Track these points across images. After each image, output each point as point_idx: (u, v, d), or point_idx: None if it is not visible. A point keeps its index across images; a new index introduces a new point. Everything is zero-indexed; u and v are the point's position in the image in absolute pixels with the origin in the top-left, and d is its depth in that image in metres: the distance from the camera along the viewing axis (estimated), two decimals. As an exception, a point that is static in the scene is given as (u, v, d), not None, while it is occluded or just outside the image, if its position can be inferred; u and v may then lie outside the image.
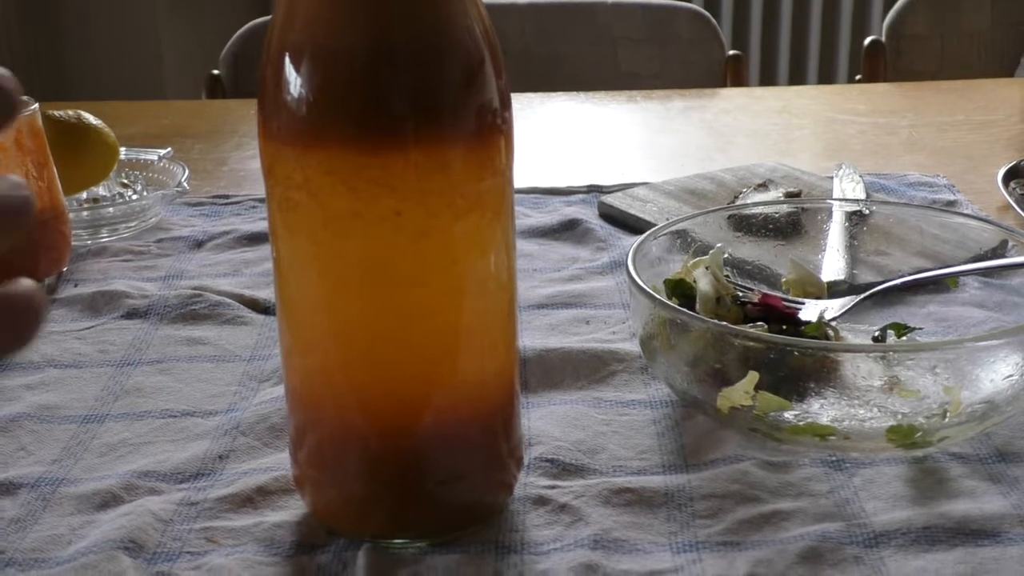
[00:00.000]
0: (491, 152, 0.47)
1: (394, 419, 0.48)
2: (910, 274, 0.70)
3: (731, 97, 1.30)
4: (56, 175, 0.76)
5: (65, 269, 0.78)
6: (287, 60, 0.45)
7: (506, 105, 0.47)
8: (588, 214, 0.88)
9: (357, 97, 0.44)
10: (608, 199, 0.89)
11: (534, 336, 0.68)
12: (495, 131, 0.47)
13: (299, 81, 0.44)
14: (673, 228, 0.68)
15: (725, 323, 0.58)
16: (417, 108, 0.44)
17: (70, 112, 0.86)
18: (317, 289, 0.47)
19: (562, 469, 0.55)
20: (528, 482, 0.54)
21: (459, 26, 0.45)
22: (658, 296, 0.59)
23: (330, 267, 0.46)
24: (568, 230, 0.85)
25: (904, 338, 0.64)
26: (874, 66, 1.43)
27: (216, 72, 1.38)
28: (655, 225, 0.82)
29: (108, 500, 0.54)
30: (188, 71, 2.32)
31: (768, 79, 2.43)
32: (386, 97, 0.44)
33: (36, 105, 0.74)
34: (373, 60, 0.44)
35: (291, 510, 0.53)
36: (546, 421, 0.59)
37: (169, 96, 2.29)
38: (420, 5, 0.44)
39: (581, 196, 0.92)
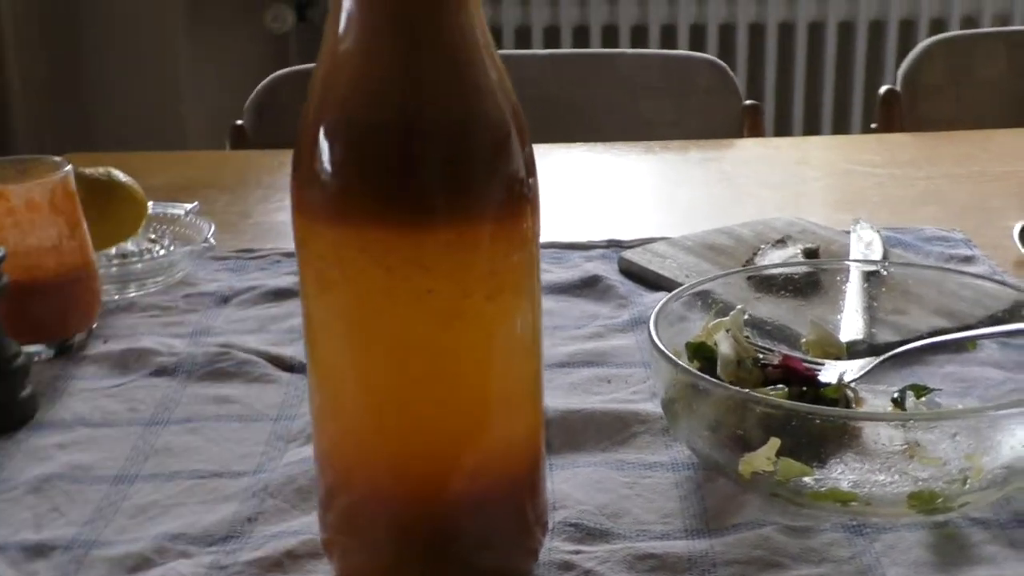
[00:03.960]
0: (519, 222, 0.48)
1: (423, 485, 0.49)
2: (928, 334, 0.71)
3: (748, 148, 1.31)
4: (87, 233, 0.77)
5: (95, 325, 0.79)
6: (321, 136, 0.46)
7: (531, 172, 0.49)
8: (608, 270, 0.89)
9: (388, 176, 0.45)
10: (628, 255, 0.90)
11: (556, 396, 0.69)
12: (522, 200, 0.48)
13: (332, 160, 0.46)
14: (695, 290, 0.69)
15: (747, 390, 0.59)
16: (447, 185, 0.45)
17: (100, 169, 0.88)
18: (348, 358, 0.48)
19: (586, 534, 0.56)
20: (553, 547, 0.55)
21: (486, 101, 0.47)
22: (680, 362, 0.60)
23: (362, 340, 0.47)
24: (589, 287, 0.86)
25: (923, 399, 0.65)
26: (890, 115, 1.45)
27: (240, 122, 1.39)
28: (675, 281, 0.84)
29: (140, 563, 0.54)
30: (209, 120, 2.35)
31: (783, 128, 2.45)
32: (417, 176, 0.45)
33: (70, 167, 0.76)
34: (404, 140, 0.45)
35: (319, 575, 0.53)
36: (570, 484, 0.60)
37: (189, 145, 2.31)
38: (449, 84, 0.46)
39: (601, 251, 0.93)
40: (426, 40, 0.45)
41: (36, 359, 0.74)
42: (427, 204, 0.45)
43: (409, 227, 0.45)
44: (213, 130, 2.25)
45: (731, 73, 1.44)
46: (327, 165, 0.46)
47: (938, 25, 2.37)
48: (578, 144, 1.27)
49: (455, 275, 0.46)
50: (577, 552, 0.54)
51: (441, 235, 0.45)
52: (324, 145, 0.46)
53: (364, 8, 0.45)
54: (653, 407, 0.67)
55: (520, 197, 0.48)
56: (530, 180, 0.48)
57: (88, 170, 0.86)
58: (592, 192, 1.13)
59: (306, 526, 0.57)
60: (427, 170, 0.45)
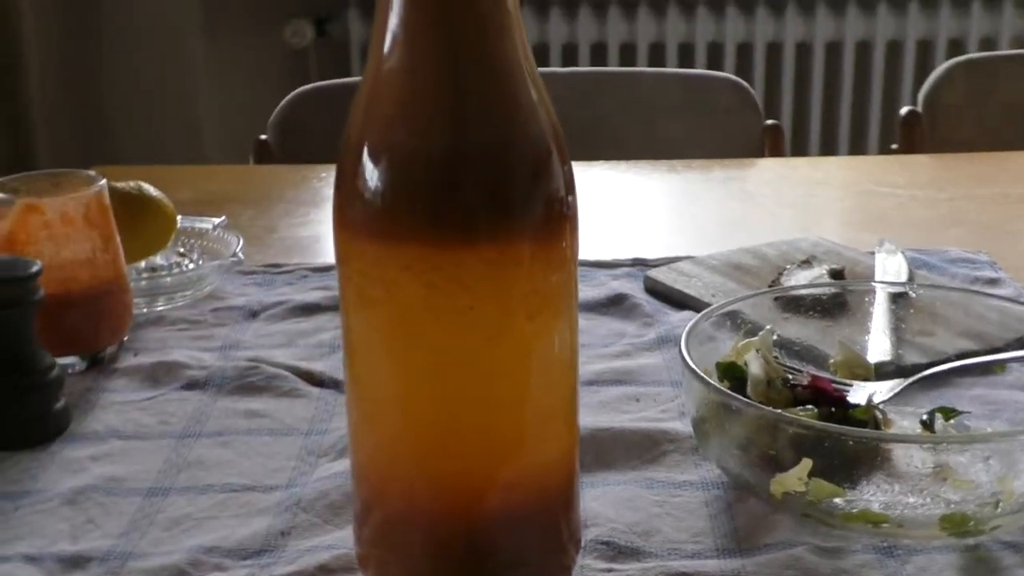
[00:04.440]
0: (558, 241, 0.49)
1: (460, 500, 0.50)
2: (956, 356, 0.71)
3: (770, 167, 1.32)
4: (120, 247, 0.78)
5: (125, 338, 0.80)
6: (365, 158, 0.47)
7: (571, 190, 0.49)
8: (634, 288, 0.89)
9: (432, 196, 0.46)
10: (654, 274, 0.91)
11: (585, 414, 0.69)
12: (562, 218, 0.49)
13: (376, 179, 0.46)
14: (724, 310, 0.69)
15: (780, 411, 0.59)
16: (490, 205, 0.46)
17: (131, 183, 0.89)
18: (388, 374, 0.49)
19: (618, 552, 0.56)
20: (585, 564, 0.55)
21: (528, 120, 0.47)
22: (711, 381, 0.60)
23: (402, 356, 0.48)
24: (615, 305, 0.86)
25: (952, 422, 0.65)
26: (911, 135, 1.45)
27: (264, 137, 1.40)
28: (700, 300, 0.84)
29: (176, 576, 0.55)
30: (228, 135, 2.36)
31: (799, 147, 2.45)
32: (460, 196, 0.46)
33: (104, 181, 0.77)
34: (448, 160, 0.46)
35: (354, 589, 0.54)
36: (600, 502, 0.60)
37: (208, 159, 2.33)
38: (493, 105, 0.47)
39: (626, 269, 0.94)
40: (471, 62, 0.46)
41: (69, 371, 0.75)
42: (470, 223, 0.46)
43: (452, 245, 0.46)
44: (232, 144, 2.26)
45: (752, 92, 1.45)
46: (371, 183, 0.47)
47: (956, 46, 2.37)
48: (599, 162, 1.28)
49: (496, 293, 0.46)
50: (609, 570, 0.55)
51: (483, 253, 0.46)
52: (368, 164, 0.47)
53: (409, 29, 0.46)
54: (682, 426, 0.67)
55: (560, 216, 0.48)
56: (569, 198, 0.49)
57: (119, 184, 0.87)
58: (615, 210, 1.13)
59: (339, 541, 0.57)
60: (470, 190, 0.46)
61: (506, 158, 0.46)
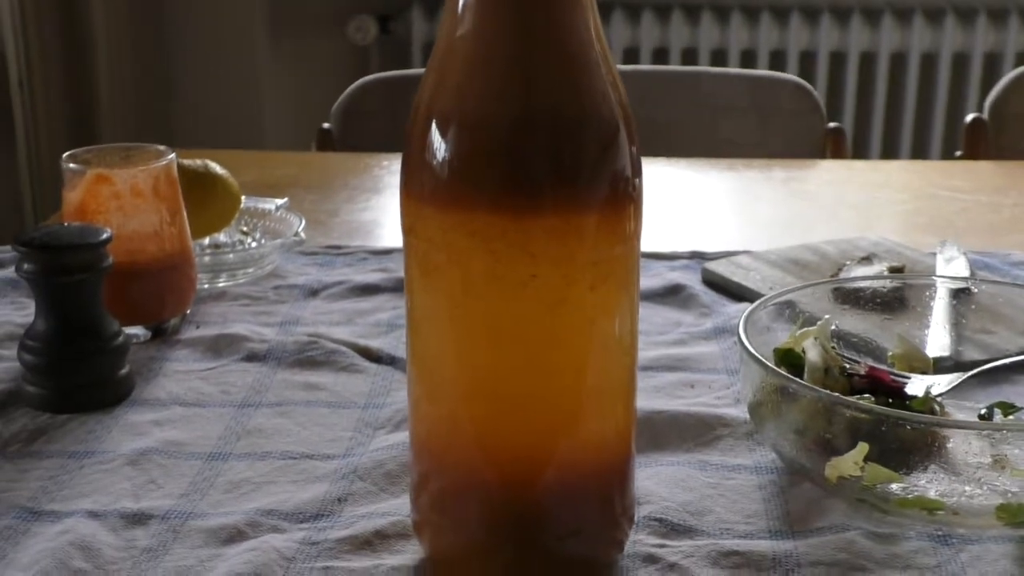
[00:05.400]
0: (623, 219, 0.49)
1: (518, 472, 0.50)
2: (1017, 353, 0.71)
3: (832, 169, 1.31)
4: (186, 221, 0.79)
5: (188, 311, 0.82)
6: (434, 126, 0.47)
7: (637, 172, 0.50)
8: (692, 279, 0.89)
9: (500, 164, 0.46)
10: (711, 266, 0.91)
11: (641, 397, 0.69)
12: (627, 199, 0.49)
13: (445, 146, 0.47)
14: (781, 299, 0.69)
15: (837, 394, 0.59)
16: (556, 175, 0.46)
17: (198, 161, 0.90)
18: (450, 344, 0.50)
19: (671, 529, 0.56)
20: (638, 539, 0.55)
21: (598, 97, 0.48)
22: (770, 365, 0.60)
23: (465, 325, 0.49)
24: (672, 295, 0.87)
25: (1011, 417, 0.65)
26: (975, 142, 1.44)
27: (327, 126, 1.42)
28: (758, 293, 0.84)
29: (234, 535, 0.56)
30: (290, 130, 2.39)
31: (860, 152, 2.43)
32: (528, 165, 0.46)
33: (173, 155, 0.78)
34: (517, 129, 0.46)
35: (408, 554, 0.55)
36: (654, 481, 0.61)
37: (268, 146, 2.35)
38: (563, 78, 0.47)
39: (684, 262, 0.94)
40: (541, 33, 0.46)
41: (134, 341, 0.76)
42: (535, 191, 0.46)
43: (517, 213, 0.46)
44: (294, 138, 2.29)
45: (816, 95, 1.44)
46: (439, 151, 0.47)
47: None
48: (659, 159, 1.28)
49: (559, 262, 0.47)
50: (662, 546, 0.55)
51: (547, 222, 0.46)
52: (437, 132, 0.47)
53: None
54: (737, 412, 0.67)
55: (625, 194, 0.49)
56: (636, 180, 0.49)
57: (187, 161, 0.89)
58: (675, 205, 1.13)
59: (395, 508, 0.58)
60: (537, 160, 0.46)
61: (574, 129, 0.47)
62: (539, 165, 0.46)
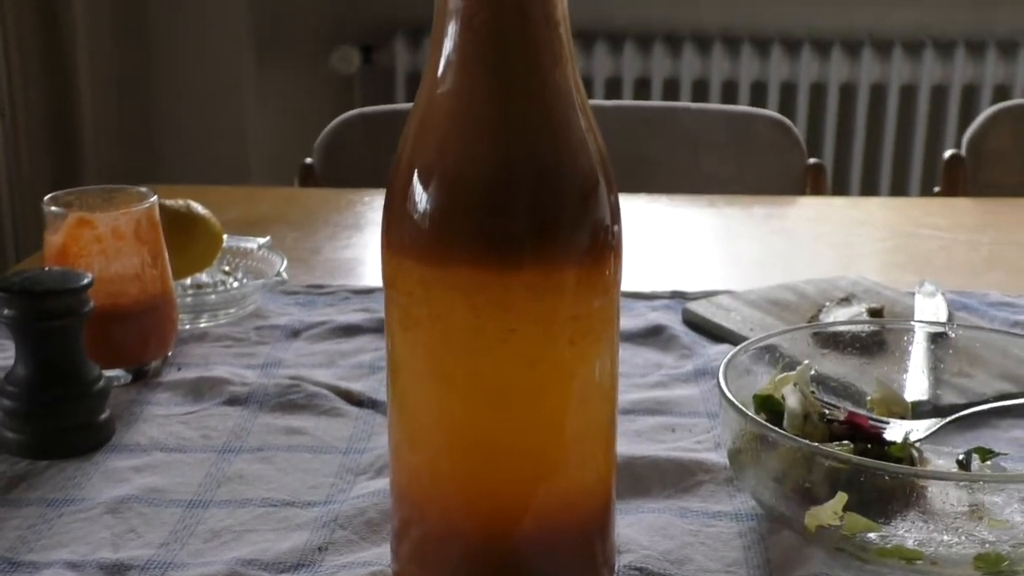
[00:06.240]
0: (602, 270, 0.49)
1: (498, 522, 0.51)
2: (994, 398, 0.71)
3: (812, 206, 1.32)
4: (168, 263, 0.79)
5: (170, 353, 0.81)
6: (415, 180, 0.48)
7: (616, 219, 0.50)
8: (672, 320, 0.90)
9: (480, 219, 0.47)
10: (692, 306, 0.91)
11: (621, 442, 0.69)
12: (607, 249, 0.49)
13: (426, 201, 0.47)
14: (762, 343, 0.70)
15: (816, 444, 0.59)
16: (536, 230, 0.47)
17: (180, 201, 0.90)
18: (431, 395, 0.50)
19: (651, 578, 0.56)
20: (618, 590, 0.56)
21: (577, 150, 0.48)
22: (749, 413, 0.61)
23: (444, 376, 0.49)
24: (653, 335, 0.87)
25: (988, 463, 0.65)
26: (953, 179, 1.45)
27: (309, 161, 1.42)
28: (739, 334, 0.84)
29: (214, 586, 0.56)
30: (272, 159, 2.40)
31: (840, 188, 2.45)
32: (507, 220, 0.46)
33: (155, 197, 0.78)
34: (496, 185, 0.46)
35: (389, 605, 0.55)
36: (634, 529, 0.61)
37: (252, 182, 2.35)
38: (542, 134, 0.47)
39: (664, 301, 0.94)
40: (522, 89, 0.47)
41: (114, 384, 0.76)
42: (515, 247, 0.47)
43: (497, 269, 0.47)
44: (277, 169, 2.29)
45: (796, 131, 1.45)
46: (420, 205, 0.48)
47: (1002, 92, 2.37)
48: (640, 195, 1.28)
49: (539, 318, 0.47)
50: (642, 596, 0.55)
51: (527, 278, 0.47)
52: (418, 186, 0.48)
53: (463, 55, 0.47)
54: (717, 457, 0.68)
55: (605, 245, 0.49)
56: (615, 227, 0.50)
57: (169, 202, 0.89)
58: (655, 243, 1.14)
59: (376, 557, 0.58)
60: (517, 215, 0.47)
61: (554, 185, 0.47)
62: (519, 220, 0.47)
